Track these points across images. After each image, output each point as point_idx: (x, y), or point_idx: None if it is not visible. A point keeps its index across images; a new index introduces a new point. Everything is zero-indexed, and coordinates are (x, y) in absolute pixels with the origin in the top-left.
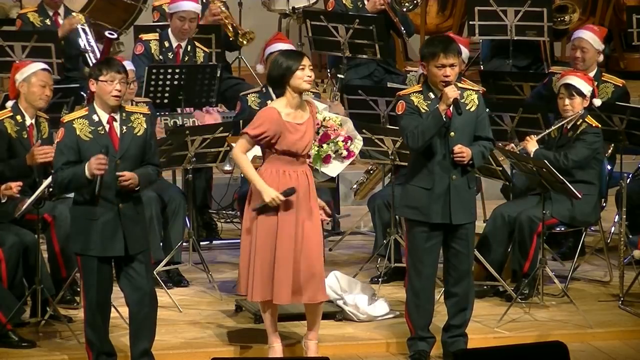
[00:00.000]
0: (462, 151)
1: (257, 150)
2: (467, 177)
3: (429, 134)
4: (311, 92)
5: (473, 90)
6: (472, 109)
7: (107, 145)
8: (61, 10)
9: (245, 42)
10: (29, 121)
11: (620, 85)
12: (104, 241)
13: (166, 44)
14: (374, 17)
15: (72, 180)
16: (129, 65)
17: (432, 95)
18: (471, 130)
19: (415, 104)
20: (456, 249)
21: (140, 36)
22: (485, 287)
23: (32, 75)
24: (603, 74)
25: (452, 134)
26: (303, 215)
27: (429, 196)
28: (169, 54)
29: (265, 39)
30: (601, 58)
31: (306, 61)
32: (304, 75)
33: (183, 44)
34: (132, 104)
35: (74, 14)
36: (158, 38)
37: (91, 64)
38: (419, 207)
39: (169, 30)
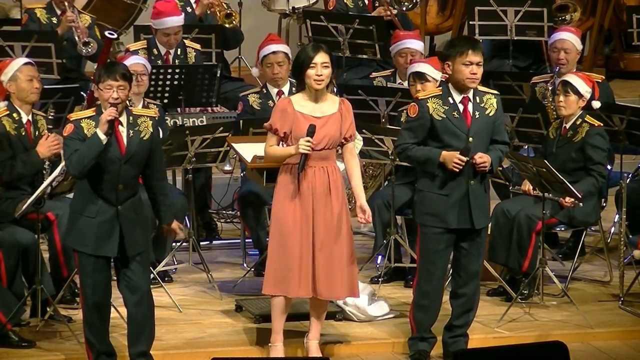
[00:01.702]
0: (484, 160)
1: (257, 150)
2: (484, 182)
3: (421, 164)
4: None
5: (492, 93)
6: (491, 114)
7: (111, 145)
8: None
9: (228, 24)
10: (25, 118)
11: (600, 80)
12: (98, 240)
13: (155, 51)
14: (374, 17)
15: (87, 151)
16: (139, 59)
17: (451, 100)
18: (489, 134)
19: (431, 111)
20: (467, 250)
21: (127, 47)
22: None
23: (17, 72)
24: (583, 72)
25: (471, 139)
26: (320, 212)
27: (446, 202)
28: (158, 61)
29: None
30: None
31: (319, 58)
32: (313, 75)
33: (171, 49)
34: (144, 102)
35: (80, 15)
36: (146, 46)
37: (81, 46)
38: (437, 214)
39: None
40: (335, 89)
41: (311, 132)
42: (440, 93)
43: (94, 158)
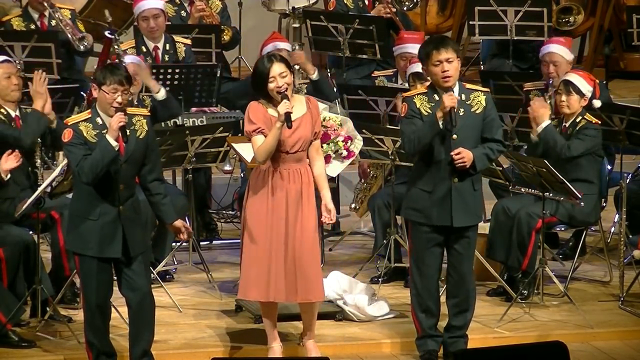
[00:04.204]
0: (462, 155)
1: None
2: (471, 180)
3: (425, 140)
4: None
5: (481, 91)
6: (477, 111)
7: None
8: (47, 12)
9: (221, 41)
10: (13, 113)
11: (596, 81)
12: (102, 242)
13: (143, 48)
14: (374, 17)
15: (100, 158)
16: (134, 59)
17: (436, 97)
18: (476, 132)
19: (418, 106)
20: (458, 250)
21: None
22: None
23: None
24: (584, 71)
25: (455, 136)
26: (294, 215)
27: (430, 198)
28: (147, 58)
29: (265, 39)
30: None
31: (275, 70)
32: (274, 88)
33: (160, 44)
34: (139, 97)
35: (60, 10)
36: (134, 45)
37: (75, 45)
38: (421, 210)
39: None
40: (305, 91)
41: (285, 96)
42: (426, 91)
43: (107, 165)
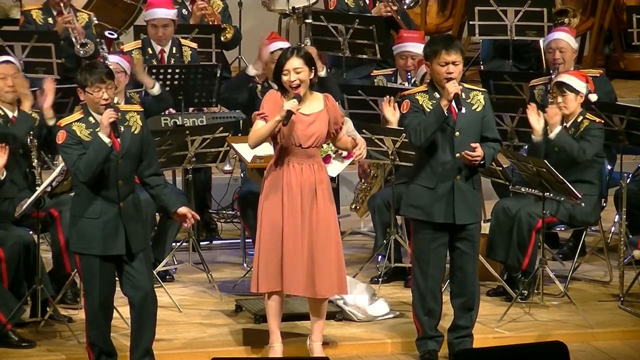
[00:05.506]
0: (478, 153)
1: (257, 150)
2: (472, 179)
3: (431, 130)
4: None
5: (479, 90)
6: (478, 109)
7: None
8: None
9: (222, 38)
10: (11, 114)
11: (598, 75)
12: (105, 240)
13: (149, 50)
14: (374, 17)
15: (94, 156)
16: (113, 58)
17: (437, 95)
18: (477, 130)
19: (420, 103)
20: (461, 249)
21: (121, 47)
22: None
23: None
24: (580, 70)
25: (457, 134)
26: (308, 210)
27: (432, 196)
28: (153, 60)
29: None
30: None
31: (290, 64)
32: (286, 81)
33: (167, 48)
34: (126, 95)
35: (78, 12)
36: (140, 46)
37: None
38: (422, 207)
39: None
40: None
41: (298, 97)
42: (426, 89)
43: (102, 162)
